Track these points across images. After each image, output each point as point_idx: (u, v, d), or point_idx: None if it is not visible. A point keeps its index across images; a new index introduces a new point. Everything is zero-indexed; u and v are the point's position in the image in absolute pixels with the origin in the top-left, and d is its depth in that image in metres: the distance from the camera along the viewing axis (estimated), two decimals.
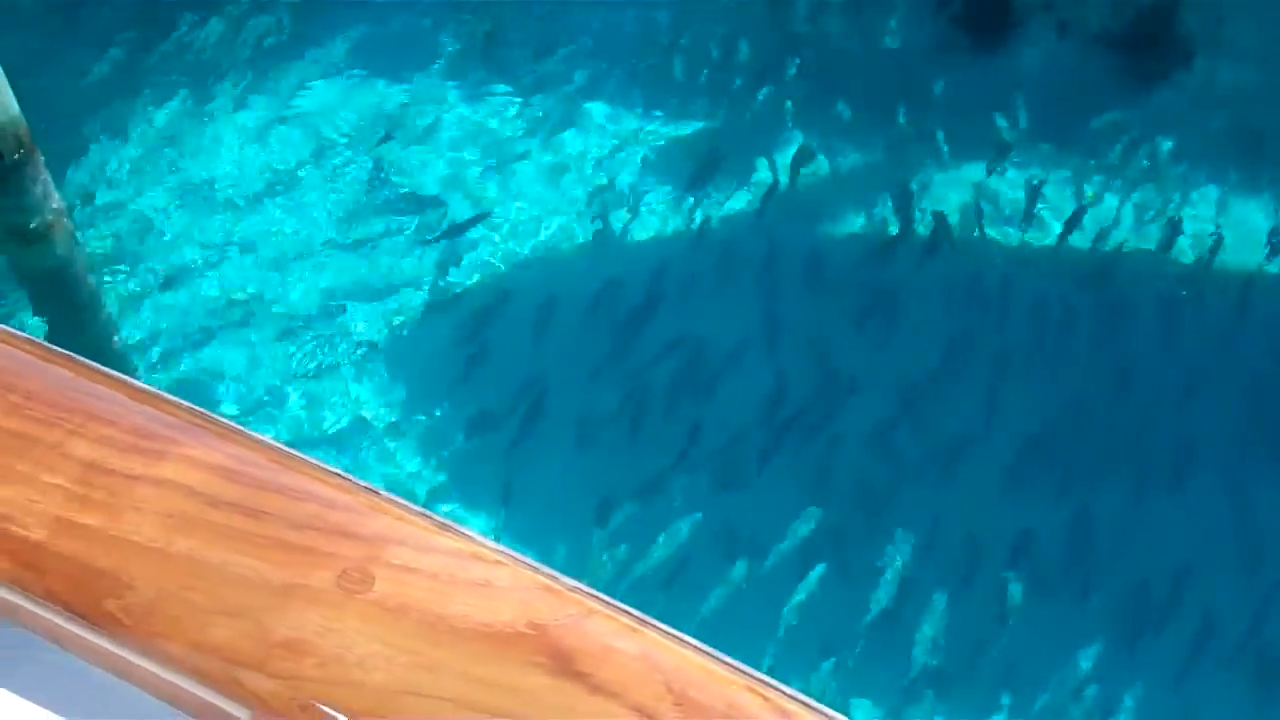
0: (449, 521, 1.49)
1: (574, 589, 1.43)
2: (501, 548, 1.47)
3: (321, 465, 1.57)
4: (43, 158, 6.08)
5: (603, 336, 7.31)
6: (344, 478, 1.55)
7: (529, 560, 1.45)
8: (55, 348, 1.68)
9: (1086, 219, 7.79)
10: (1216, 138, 8.17)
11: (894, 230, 7.83)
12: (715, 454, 6.84)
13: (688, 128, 8.42)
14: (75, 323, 6.50)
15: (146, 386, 1.67)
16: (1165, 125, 8.24)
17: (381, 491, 1.53)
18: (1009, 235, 7.80)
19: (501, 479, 6.75)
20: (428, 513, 1.51)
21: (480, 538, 1.47)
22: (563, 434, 6.93)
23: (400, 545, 1.46)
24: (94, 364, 1.66)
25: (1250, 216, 7.86)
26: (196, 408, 1.63)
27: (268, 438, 1.61)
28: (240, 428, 1.61)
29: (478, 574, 1.43)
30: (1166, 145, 8.14)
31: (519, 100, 8.56)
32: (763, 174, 8.10)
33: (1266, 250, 7.63)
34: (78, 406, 1.59)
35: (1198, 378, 7.05)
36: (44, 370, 1.64)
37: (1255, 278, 7.52)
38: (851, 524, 6.56)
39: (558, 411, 6.99)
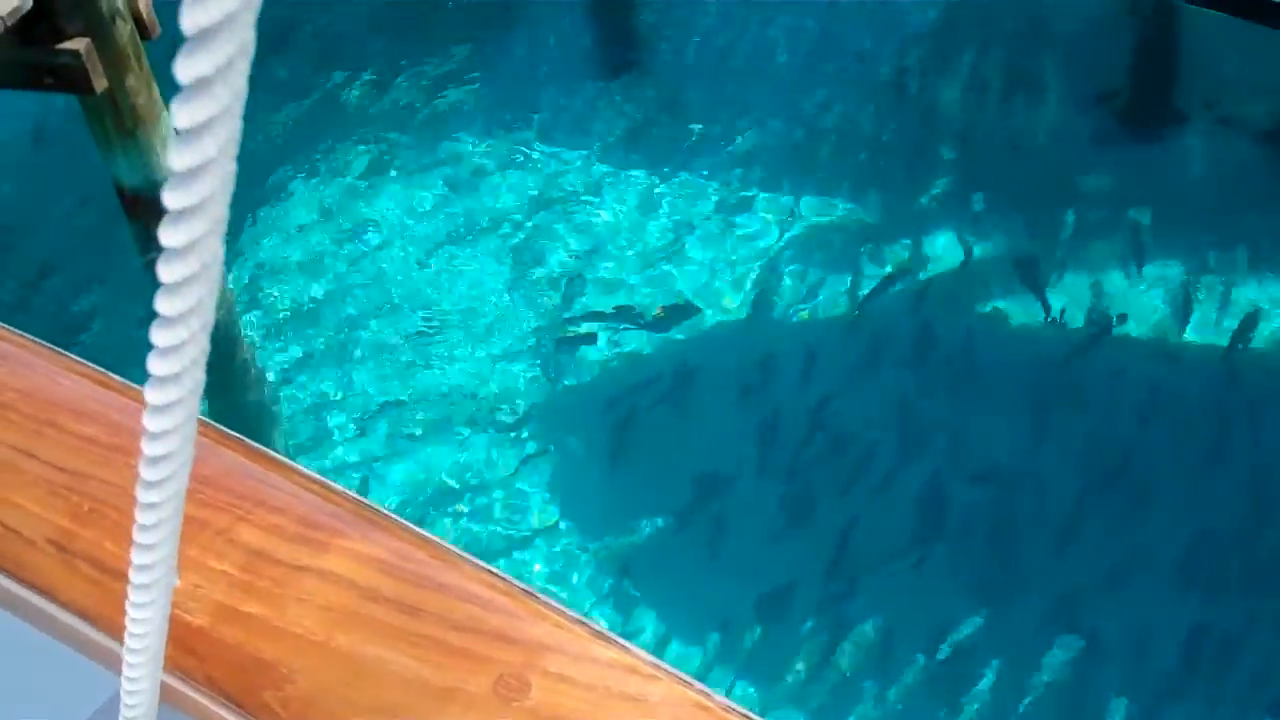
0: (605, 630, 1.48)
1: (727, 708, 1.42)
2: (657, 660, 1.46)
3: (480, 564, 1.57)
4: None
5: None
6: (502, 578, 1.55)
7: (683, 675, 1.44)
8: (228, 431, 1.71)
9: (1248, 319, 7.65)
10: None
11: (1049, 322, 7.73)
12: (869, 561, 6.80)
13: (848, 215, 8.40)
14: (232, 387, 6.60)
15: (313, 474, 1.69)
16: None
17: (539, 594, 1.53)
18: (1170, 332, 7.67)
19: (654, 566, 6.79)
20: (585, 619, 1.50)
21: (636, 649, 1.46)
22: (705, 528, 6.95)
23: (557, 653, 1.46)
24: (264, 449, 1.68)
25: None
26: (360, 497, 1.64)
27: (428, 532, 1.61)
28: (402, 520, 1.61)
29: (633, 688, 1.42)
30: None
31: (678, 181, 8.62)
32: (919, 261, 8.07)
33: None
34: (248, 493, 1.61)
35: None
36: (217, 453, 1.67)
37: None
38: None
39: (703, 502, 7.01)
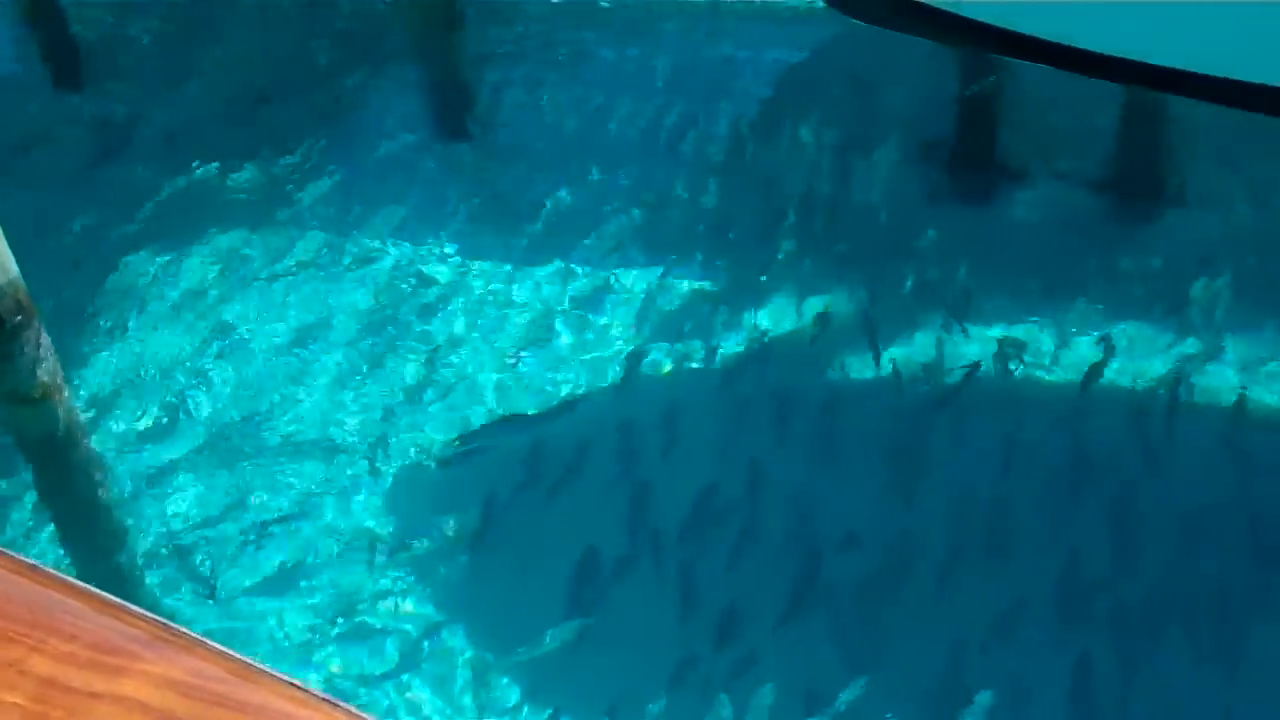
0: None
1: None
2: None
3: (283, 677, 1.56)
4: (41, 321, 6.12)
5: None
6: (306, 690, 1.54)
7: None
8: (21, 558, 1.68)
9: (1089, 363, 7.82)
10: (1207, 278, 8.21)
11: (899, 379, 7.83)
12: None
13: (698, 286, 8.44)
14: (70, 486, 6.49)
15: (111, 598, 1.67)
16: (1152, 267, 8.30)
17: (340, 703, 1.53)
18: (1015, 383, 7.81)
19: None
20: None
21: None
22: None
23: None
24: (60, 575, 1.66)
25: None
26: (158, 618, 1.62)
27: (229, 649, 1.60)
28: (202, 639, 1.60)
29: None
30: (1156, 288, 8.19)
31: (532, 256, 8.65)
32: (763, 327, 8.14)
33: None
34: (40, 621, 1.59)
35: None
36: (8, 582, 1.64)
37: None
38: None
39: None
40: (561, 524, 7.19)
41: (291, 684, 1.56)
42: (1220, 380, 7.66)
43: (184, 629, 1.64)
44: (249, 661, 1.59)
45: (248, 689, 1.54)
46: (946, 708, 6.43)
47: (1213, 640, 6.57)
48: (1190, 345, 7.82)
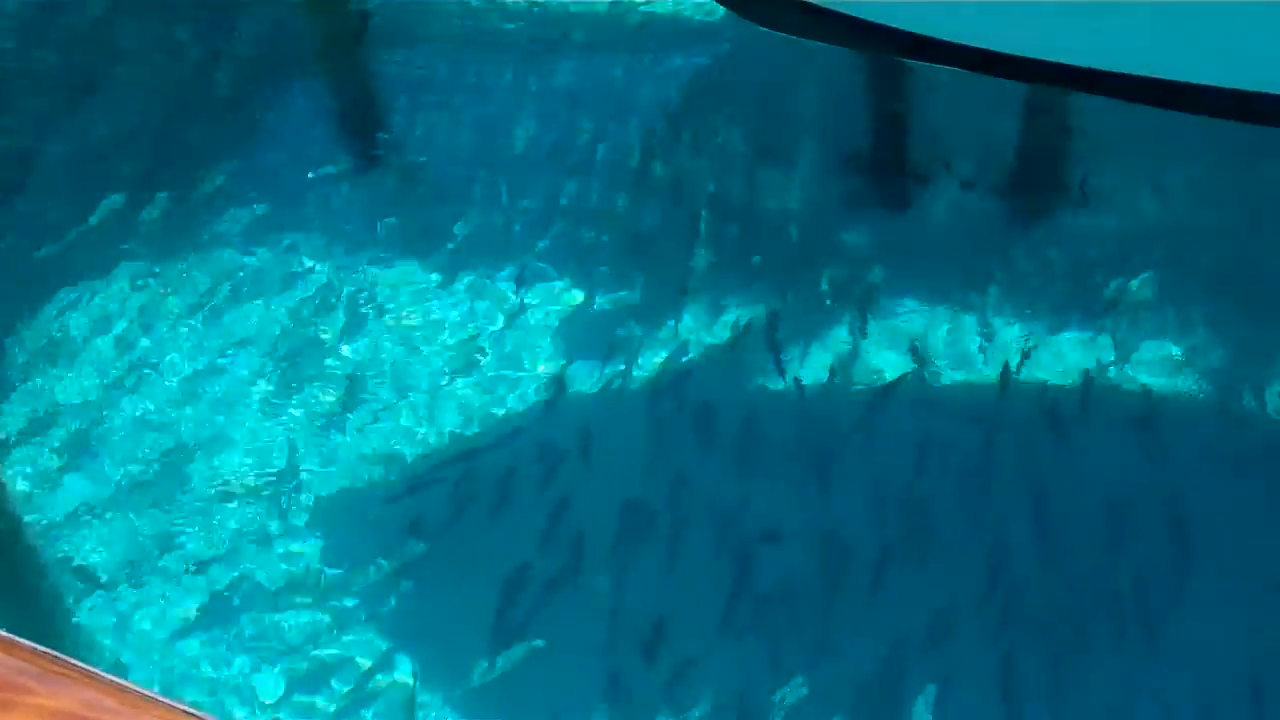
0: None
1: None
2: None
3: (178, 705, 1.53)
4: None
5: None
6: (194, 715, 1.52)
7: None
8: None
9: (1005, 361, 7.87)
10: (1116, 275, 8.30)
11: (817, 385, 7.85)
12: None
13: (611, 298, 8.41)
14: None
15: (3, 634, 1.64)
16: (1064, 267, 8.39)
17: None
18: (935, 385, 7.84)
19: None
20: None
21: None
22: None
23: None
24: None
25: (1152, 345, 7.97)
26: (50, 651, 1.60)
27: (122, 680, 1.58)
28: (95, 671, 1.57)
29: None
30: (1068, 286, 8.27)
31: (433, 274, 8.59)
32: (684, 338, 8.12)
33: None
34: None
35: None
36: None
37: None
38: None
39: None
40: (493, 546, 7.12)
41: (188, 712, 1.53)
42: (1133, 375, 7.73)
43: (77, 661, 1.61)
44: (143, 691, 1.56)
45: (140, 718, 1.52)
46: (880, 706, 6.45)
47: (1136, 630, 6.62)
48: (1103, 342, 7.90)
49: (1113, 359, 7.79)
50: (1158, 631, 6.63)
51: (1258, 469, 7.24)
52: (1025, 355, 7.84)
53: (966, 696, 6.46)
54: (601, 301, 8.35)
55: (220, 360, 8.08)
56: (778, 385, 7.87)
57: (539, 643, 6.70)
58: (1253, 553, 6.88)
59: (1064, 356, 7.84)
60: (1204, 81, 8.32)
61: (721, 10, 9.42)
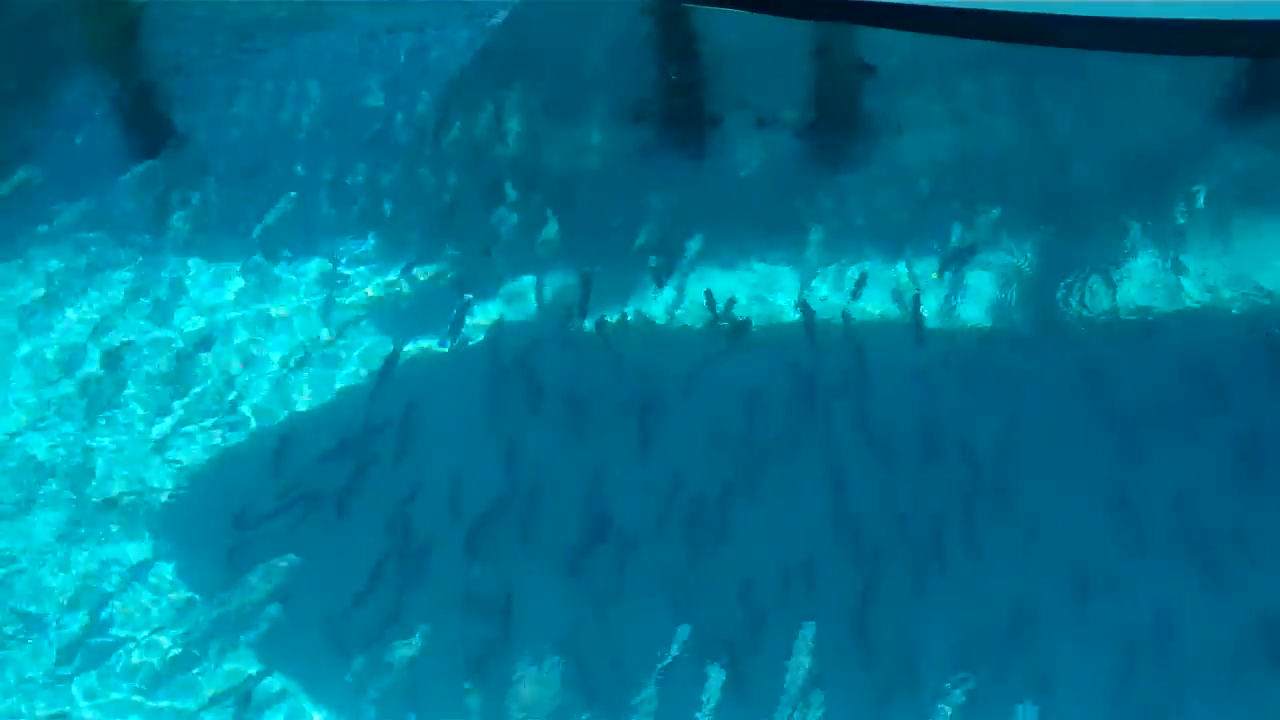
0: None
1: None
2: None
3: None
4: None
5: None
6: None
7: None
8: None
9: (817, 302, 8.00)
10: (903, 209, 8.51)
11: (635, 336, 7.90)
12: None
13: (434, 272, 8.34)
14: None
15: None
16: (854, 201, 8.57)
17: None
18: (751, 327, 7.94)
19: None
20: None
21: None
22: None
23: None
24: None
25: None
26: None
27: None
28: None
29: None
30: (872, 219, 8.44)
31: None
32: (501, 305, 8.09)
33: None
34: None
35: None
36: None
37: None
38: None
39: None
40: (341, 530, 7.05)
41: None
42: (944, 303, 7.94)
43: None
44: None
45: None
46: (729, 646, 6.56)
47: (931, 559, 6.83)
48: (915, 270, 8.10)
49: (922, 288, 7.99)
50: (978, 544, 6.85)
51: (1070, 387, 7.51)
52: (836, 289, 7.99)
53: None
54: (413, 274, 8.26)
55: (38, 361, 7.86)
56: (595, 341, 7.90)
57: (403, 623, 6.69)
58: (1074, 472, 7.15)
59: (874, 288, 8.01)
60: (979, 6, 8.57)
61: None
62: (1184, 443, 7.11)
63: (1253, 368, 7.45)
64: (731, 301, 7.99)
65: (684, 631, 6.57)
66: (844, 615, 6.58)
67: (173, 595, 6.89)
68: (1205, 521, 6.79)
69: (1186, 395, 7.31)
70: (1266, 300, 7.78)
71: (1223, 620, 6.42)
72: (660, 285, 8.11)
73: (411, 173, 8.90)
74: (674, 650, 6.51)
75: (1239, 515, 6.81)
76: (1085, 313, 7.83)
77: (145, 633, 6.77)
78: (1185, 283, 7.92)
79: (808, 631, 6.50)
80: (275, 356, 7.94)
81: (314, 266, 8.33)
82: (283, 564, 6.94)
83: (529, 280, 8.20)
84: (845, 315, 7.90)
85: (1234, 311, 7.75)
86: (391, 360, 7.81)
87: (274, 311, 8.16)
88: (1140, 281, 7.93)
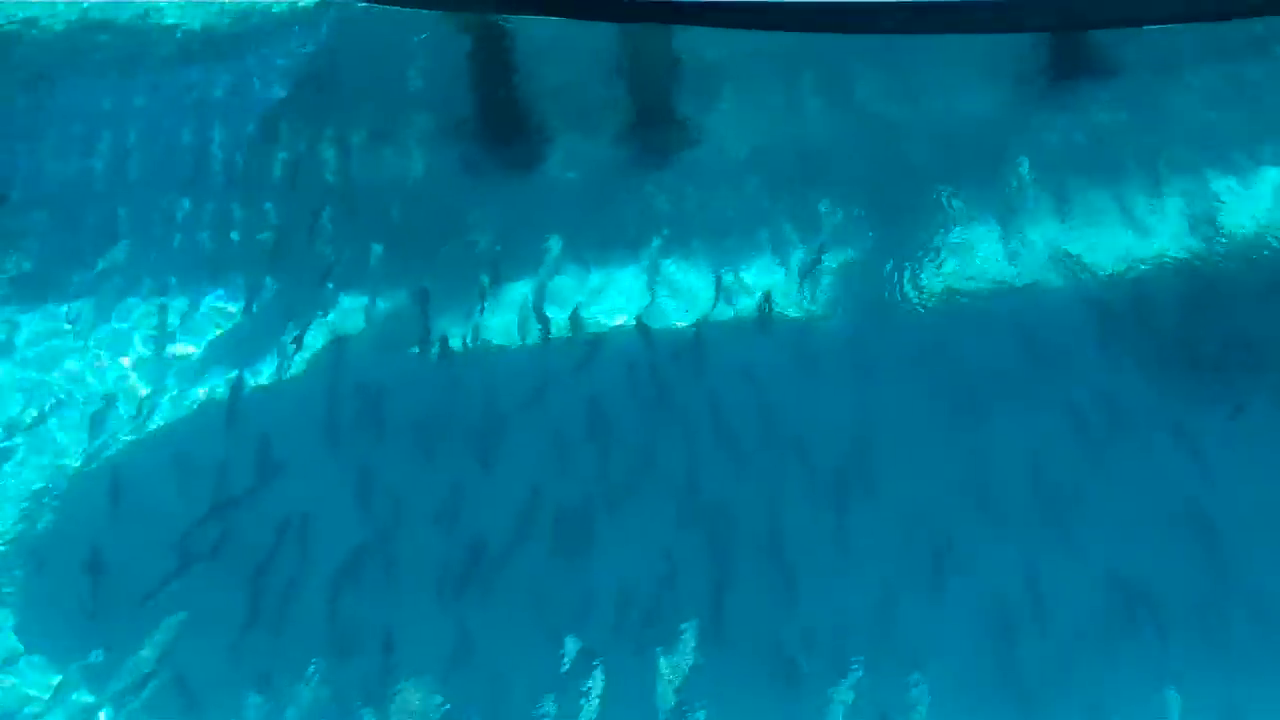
0: None
1: None
2: None
3: None
4: None
5: None
6: None
7: None
8: None
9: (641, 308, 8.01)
10: (736, 206, 8.55)
11: (473, 357, 7.83)
12: None
13: (258, 309, 8.19)
14: None
15: None
16: (685, 202, 8.61)
17: None
18: (591, 337, 7.92)
19: None
20: None
21: None
22: None
23: None
24: None
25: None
26: None
27: None
28: None
29: None
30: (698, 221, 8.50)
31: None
32: (336, 331, 7.97)
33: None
34: None
35: None
36: None
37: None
38: None
39: None
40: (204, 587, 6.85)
41: None
42: (786, 295, 8.01)
43: None
44: None
45: None
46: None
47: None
48: (754, 265, 8.17)
49: (763, 283, 8.06)
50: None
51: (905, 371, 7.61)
52: (677, 295, 8.02)
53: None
54: (244, 310, 8.12)
55: None
56: (437, 362, 7.82)
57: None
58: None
59: (712, 291, 8.05)
60: None
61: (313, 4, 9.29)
62: (1026, 412, 7.25)
63: (1083, 334, 7.65)
64: (570, 312, 7.97)
65: (568, 643, 6.53)
66: (716, 613, 6.58)
67: (31, 658, 6.68)
68: (1054, 488, 6.92)
69: (1025, 366, 7.50)
70: (1093, 267, 8.01)
71: (1081, 581, 6.55)
72: (496, 301, 8.06)
73: (234, 208, 8.73)
74: (563, 664, 6.47)
75: (1082, 478, 6.95)
76: (924, 293, 7.98)
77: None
78: (1016, 256, 8.12)
79: (685, 633, 6.51)
80: (107, 404, 7.72)
81: (141, 311, 8.13)
82: (149, 623, 6.76)
83: (363, 306, 8.09)
84: (687, 316, 7.93)
85: (1064, 281, 7.96)
86: (232, 399, 7.64)
87: (101, 359, 7.95)
88: (973, 258, 8.10)
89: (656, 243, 8.33)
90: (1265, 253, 7.99)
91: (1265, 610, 6.37)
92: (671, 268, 8.16)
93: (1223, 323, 7.64)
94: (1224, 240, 8.07)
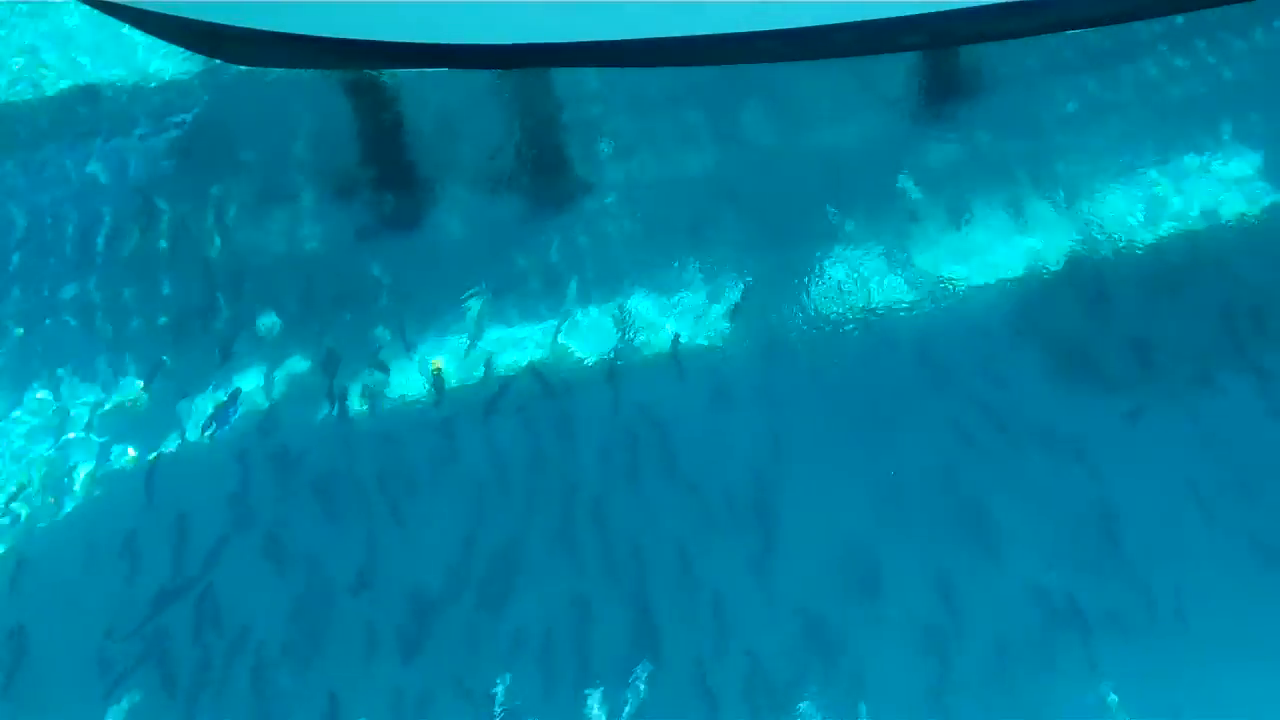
0: None
1: None
2: None
3: None
4: None
5: None
6: None
7: None
8: None
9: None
10: (627, 245, 8.63)
11: (364, 413, 7.84)
12: None
13: (126, 384, 8.15)
14: None
15: None
16: (576, 245, 8.65)
17: None
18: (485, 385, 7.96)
19: None
20: None
21: None
22: None
23: None
24: None
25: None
26: None
27: None
28: None
29: None
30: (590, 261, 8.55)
31: None
32: (228, 393, 7.97)
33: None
34: None
35: None
36: None
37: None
38: None
39: None
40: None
41: None
42: (688, 329, 8.11)
43: None
44: None
45: None
46: None
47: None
48: (650, 302, 8.25)
49: (663, 318, 8.15)
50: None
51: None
52: (577, 337, 8.09)
53: None
54: (144, 387, 8.07)
55: None
56: (344, 424, 7.82)
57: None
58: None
59: (612, 331, 8.11)
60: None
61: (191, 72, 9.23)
62: (930, 427, 7.41)
63: (974, 347, 7.80)
64: (471, 362, 8.00)
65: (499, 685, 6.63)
66: (646, 650, 6.69)
67: None
68: (966, 499, 7.08)
69: (923, 381, 7.64)
70: (982, 280, 8.16)
71: (1000, 590, 6.73)
72: (397, 358, 8.07)
73: (126, 284, 8.64)
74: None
75: (991, 487, 7.12)
76: (821, 317, 8.08)
77: None
78: (907, 274, 8.25)
79: (614, 668, 6.62)
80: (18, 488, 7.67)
81: (36, 398, 8.06)
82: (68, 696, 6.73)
83: (262, 375, 8.06)
84: (589, 357, 8.00)
85: (953, 296, 8.10)
86: (137, 475, 7.61)
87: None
88: (866, 279, 8.22)
89: (548, 286, 8.39)
90: (1152, 257, 8.18)
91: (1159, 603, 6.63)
92: (564, 310, 8.22)
93: (1116, 328, 7.86)
94: (1111, 246, 8.26)
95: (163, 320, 8.45)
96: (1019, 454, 7.27)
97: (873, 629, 6.69)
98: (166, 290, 8.58)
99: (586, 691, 6.55)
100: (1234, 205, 8.38)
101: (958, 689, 6.45)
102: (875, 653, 6.60)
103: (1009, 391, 7.55)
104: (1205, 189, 8.51)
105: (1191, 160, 8.66)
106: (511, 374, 7.94)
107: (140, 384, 8.06)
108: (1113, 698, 6.34)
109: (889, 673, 6.52)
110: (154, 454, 7.72)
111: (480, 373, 7.97)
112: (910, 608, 6.74)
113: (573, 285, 8.37)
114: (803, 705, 6.45)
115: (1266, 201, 8.37)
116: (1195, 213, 8.38)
